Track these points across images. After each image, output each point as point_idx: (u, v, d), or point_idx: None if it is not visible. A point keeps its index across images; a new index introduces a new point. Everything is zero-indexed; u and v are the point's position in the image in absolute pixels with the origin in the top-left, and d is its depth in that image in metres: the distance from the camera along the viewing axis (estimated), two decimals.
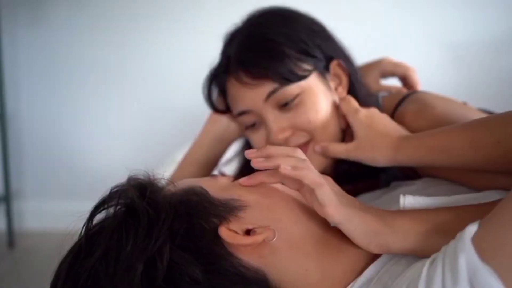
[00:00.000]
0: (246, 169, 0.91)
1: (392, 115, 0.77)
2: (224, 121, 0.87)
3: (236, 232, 0.53)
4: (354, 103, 0.74)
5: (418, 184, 0.70)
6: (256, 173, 0.58)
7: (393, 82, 0.98)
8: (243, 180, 0.58)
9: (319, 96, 0.75)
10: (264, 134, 0.76)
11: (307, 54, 0.74)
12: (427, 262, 0.47)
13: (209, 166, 0.89)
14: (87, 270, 0.50)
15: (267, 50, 0.73)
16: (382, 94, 0.84)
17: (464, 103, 0.83)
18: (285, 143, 0.75)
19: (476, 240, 0.43)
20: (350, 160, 0.72)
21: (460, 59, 2.06)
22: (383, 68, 0.94)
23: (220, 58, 0.79)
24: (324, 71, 0.77)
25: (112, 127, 2.31)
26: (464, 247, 0.43)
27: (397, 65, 0.94)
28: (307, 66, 0.74)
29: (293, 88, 0.73)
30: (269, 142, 0.75)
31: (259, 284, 0.52)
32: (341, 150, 0.72)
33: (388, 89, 0.92)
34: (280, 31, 0.74)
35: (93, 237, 0.53)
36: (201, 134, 0.89)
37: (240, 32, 0.78)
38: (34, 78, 2.28)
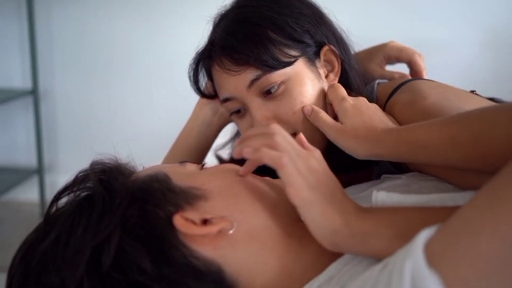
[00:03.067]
0: None
1: (385, 104, 0.73)
2: (212, 105, 0.85)
3: (193, 222, 0.51)
4: (341, 91, 0.70)
5: (403, 179, 0.66)
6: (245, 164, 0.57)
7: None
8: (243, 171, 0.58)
9: (305, 84, 0.71)
10: (250, 121, 0.73)
11: (294, 40, 0.70)
12: (379, 266, 0.44)
13: (199, 151, 0.88)
14: (39, 254, 0.50)
15: (251, 36, 0.69)
16: (379, 81, 0.79)
17: (472, 92, 0.78)
18: None
19: (429, 244, 0.39)
20: (337, 148, 0.69)
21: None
22: (388, 52, 0.88)
23: (206, 42, 0.77)
24: (313, 57, 0.73)
25: (144, 102, 2.33)
26: (413, 251, 0.39)
27: (402, 49, 0.88)
28: (293, 52, 0.70)
29: (277, 75, 0.69)
30: None
31: (212, 276, 0.50)
32: (327, 124, 0.68)
33: (392, 75, 0.87)
34: (266, 15, 0.70)
35: (51, 221, 0.53)
36: (190, 118, 0.88)
37: (226, 15, 0.74)
38: (67, 54, 2.33)
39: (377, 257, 0.48)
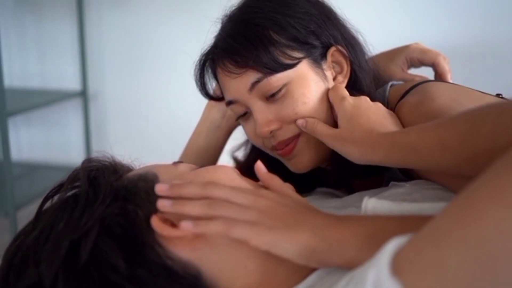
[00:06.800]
0: (254, 154, 0.87)
1: (395, 106, 0.69)
2: (221, 107, 0.84)
3: (172, 223, 0.51)
4: (341, 91, 0.67)
5: (407, 187, 0.62)
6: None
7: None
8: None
9: (308, 86, 0.68)
10: (254, 124, 0.72)
11: (298, 41, 0.68)
12: (348, 276, 0.41)
13: (210, 153, 0.87)
14: (23, 248, 0.51)
15: (251, 37, 0.67)
16: (393, 83, 0.75)
17: (498, 96, 0.72)
18: (272, 136, 0.70)
19: (398, 253, 0.37)
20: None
21: None
22: (410, 54, 0.84)
23: (211, 44, 0.76)
24: (319, 58, 0.70)
25: (192, 103, 2.34)
26: (378, 260, 0.37)
27: (425, 51, 0.83)
28: (297, 54, 0.68)
29: (278, 78, 0.67)
30: (256, 134, 0.71)
31: (189, 279, 0.49)
32: (323, 133, 0.65)
33: (412, 78, 0.83)
34: (268, 16, 0.68)
35: (39, 217, 0.54)
36: (200, 121, 0.87)
37: (231, 16, 0.73)
38: (116, 57, 2.39)
39: (353, 267, 0.45)
